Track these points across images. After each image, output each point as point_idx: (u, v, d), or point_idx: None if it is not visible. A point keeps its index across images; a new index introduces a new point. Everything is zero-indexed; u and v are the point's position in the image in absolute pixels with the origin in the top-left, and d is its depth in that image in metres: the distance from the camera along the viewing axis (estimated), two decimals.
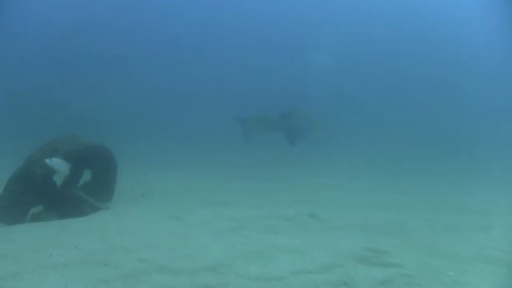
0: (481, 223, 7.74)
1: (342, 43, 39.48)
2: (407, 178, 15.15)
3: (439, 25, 40.84)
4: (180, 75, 39.09)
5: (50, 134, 7.81)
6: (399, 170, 17.78)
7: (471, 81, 37.86)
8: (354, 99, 36.23)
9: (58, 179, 7.32)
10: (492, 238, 6.51)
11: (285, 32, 43.60)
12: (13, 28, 35.03)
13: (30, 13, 36.92)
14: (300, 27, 43.43)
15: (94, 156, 7.75)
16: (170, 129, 27.62)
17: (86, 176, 8.14)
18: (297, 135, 16.24)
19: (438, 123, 32.58)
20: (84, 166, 7.85)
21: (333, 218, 7.31)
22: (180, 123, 29.69)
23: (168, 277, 4.23)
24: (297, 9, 44.54)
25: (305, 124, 16.78)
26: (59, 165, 6.59)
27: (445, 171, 17.89)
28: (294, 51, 42.00)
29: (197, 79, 38.75)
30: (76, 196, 7.22)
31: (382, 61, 40.35)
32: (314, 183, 13.11)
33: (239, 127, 16.73)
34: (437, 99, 36.18)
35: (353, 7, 42.95)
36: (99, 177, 8.34)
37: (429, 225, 7.41)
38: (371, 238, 6.18)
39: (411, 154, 22.86)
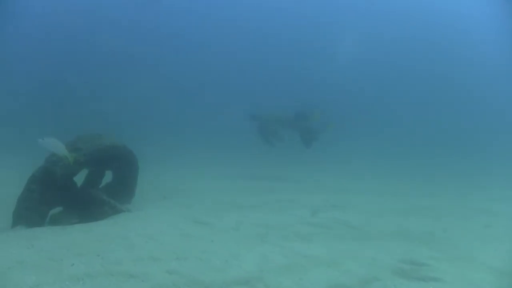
0: None
1: (358, 42, 39.08)
2: (427, 179, 14.80)
3: (453, 24, 40.37)
4: (195, 74, 38.84)
5: (70, 132, 7.61)
6: (418, 171, 17.38)
7: (482, 80, 37.35)
8: (368, 99, 35.90)
9: (79, 180, 7.11)
10: None
11: (301, 30, 43.22)
12: (26, 26, 35.10)
13: (34, 9, 36.82)
14: (316, 26, 43.06)
15: (116, 157, 7.48)
16: (186, 127, 27.48)
17: (107, 177, 7.89)
18: (312, 136, 15.90)
19: (453, 123, 32.07)
20: (105, 166, 7.61)
21: (364, 225, 6.98)
22: (195, 122, 29.54)
23: None
24: (317, 8, 44.18)
25: (319, 124, 16.55)
26: (53, 145, 6.03)
27: (460, 171, 17.49)
28: (310, 50, 41.65)
29: (214, 78, 38.57)
30: (97, 198, 6.97)
31: (399, 61, 39.89)
32: (335, 185, 12.78)
33: (255, 126, 16.40)
34: (451, 99, 35.74)
35: (369, 6, 42.46)
36: (120, 178, 8.09)
37: (464, 233, 7.05)
38: (407, 248, 5.83)
39: (426, 154, 22.41)
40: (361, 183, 13.53)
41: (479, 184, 13.95)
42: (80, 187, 7.17)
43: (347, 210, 8.24)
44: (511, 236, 7.07)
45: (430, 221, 7.78)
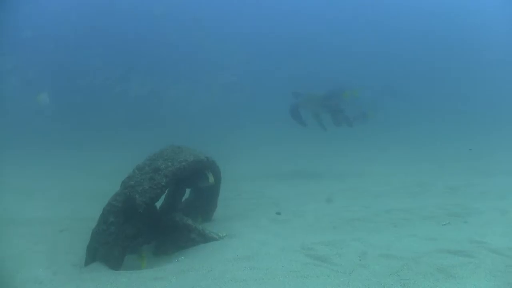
0: None
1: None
2: None
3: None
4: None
5: (144, 143, 6.68)
6: None
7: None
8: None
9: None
10: None
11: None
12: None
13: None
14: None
15: (199, 172, 6.38)
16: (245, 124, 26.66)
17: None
18: (343, 116, 14.13)
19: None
20: (187, 184, 6.57)
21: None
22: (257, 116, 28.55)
23: None
24: None
25: (356, 107, 15.12)
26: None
27: None
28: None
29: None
30: (182, 224, 5.90)
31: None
32: (426, 181, 11.32)
33: (289, 105, 14.65)
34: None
35: None
36: (202, 193, 7.03)
37: None
38: None
39: None
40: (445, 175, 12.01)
41: None
42: (160, 211, 6.13)
43: (473, 223, 6.75)
44: None
45: None
